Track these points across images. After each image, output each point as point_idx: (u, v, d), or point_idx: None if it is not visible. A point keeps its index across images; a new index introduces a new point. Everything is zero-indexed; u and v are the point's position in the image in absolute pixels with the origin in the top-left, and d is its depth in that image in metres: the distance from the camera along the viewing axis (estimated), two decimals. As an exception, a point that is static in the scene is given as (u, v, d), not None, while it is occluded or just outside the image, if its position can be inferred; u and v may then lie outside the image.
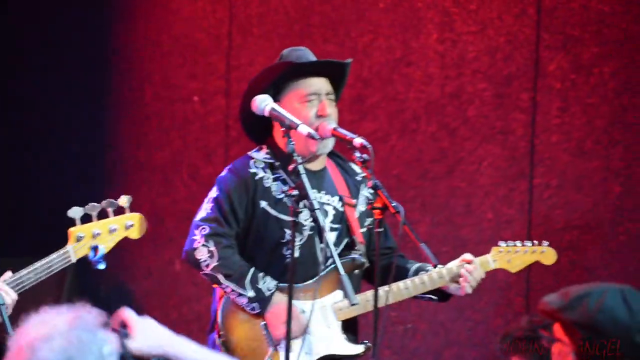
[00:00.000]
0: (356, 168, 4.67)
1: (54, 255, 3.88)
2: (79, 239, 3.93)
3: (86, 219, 3.91)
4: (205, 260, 4.47)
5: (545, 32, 5.81)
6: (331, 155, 4.62)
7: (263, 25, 6.36)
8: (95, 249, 3.95)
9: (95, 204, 3.91)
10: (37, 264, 3.90)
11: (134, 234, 4.08)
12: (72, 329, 2.69)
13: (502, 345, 4.37)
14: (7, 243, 6.03)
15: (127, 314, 2.90)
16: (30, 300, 3.58)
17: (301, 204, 4.18)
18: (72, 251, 3.90)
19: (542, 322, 3.96)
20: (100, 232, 3.96)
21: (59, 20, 6.67)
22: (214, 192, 4.52)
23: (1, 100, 6.69)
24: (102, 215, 3.97)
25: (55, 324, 2.69)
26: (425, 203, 5.97)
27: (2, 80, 6.72)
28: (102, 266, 3.97)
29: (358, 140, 4.23)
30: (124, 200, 3.97)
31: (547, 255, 4.72)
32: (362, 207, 4.63)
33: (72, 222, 3.88)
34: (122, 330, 2.85)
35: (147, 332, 2.93)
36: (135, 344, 2.87)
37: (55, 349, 2.65)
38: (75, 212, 3.85)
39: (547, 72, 5.81)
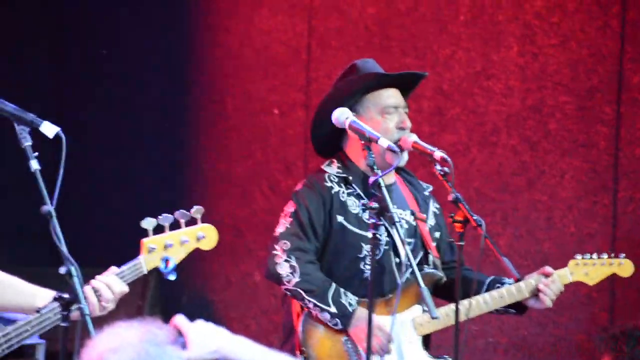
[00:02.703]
0: (423, 183, 4.70)
1: (125, 267, 3.88)
2: (150, 251, 3.90)
3: (159, 229, 3.92)
4: (287, 276, 4.46)
5: (630, 44, 5.77)
6: (397, 169, 4.59)
7: (342, 38, 6.42)
8: (166, 260, 3.92)
9: (168, 215, 3.88)
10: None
11: (206, 245, 4.00)
12: (142, 342, 2.73)
13: (604, 338, 4.18)
14: (85, 252, 5.97)
15: (179, 321, 2.88)
16: (110, 312, 3.75)
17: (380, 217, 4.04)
18: (144, 262, 3.90)
19: None
20: (172, 243, 3.91)
21: (143, 32, 6.78)
22: (291, 207, 4.52)
23: (84, 107, 6.81)
24: (175, 226, 3.98)
25: (126, 337, 2.73)
26: (506, 216, 5.96)
27: (87, 87, 6.84)
28: (172, 277, 3.91)
29: (438, 154, 4.23)
30: (196, 212, 3.91)
31: (624, 267, 4.71)
32: (431, 221, 4.65)
33: (146, 233, 3.88)
34: (179, 339, 2.84)
35: (202, 337, 2.91)
36: (192, 353, 2.85)
37: None
38: (148, 223, 3.84)
39: (632, 85, 5.77)
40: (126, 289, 3.82)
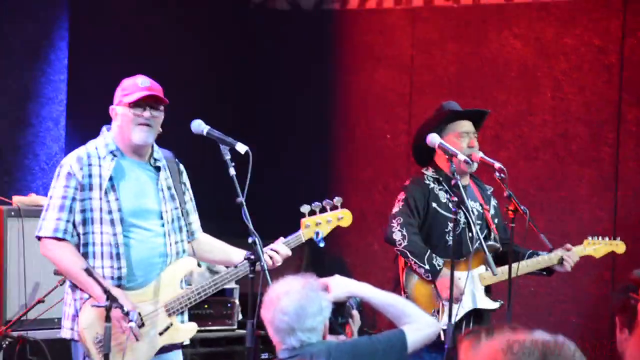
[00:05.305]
0: (486, 185, 5.15)
1: (290, 237, 4.22)
2: (307, 227, 4.20)
3: (312, 212, 4.20)
4: (399, 241, 4.86)
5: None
6: (470, 175, 5.12)
7: (431, 87, 6.97)
8: (317, 233, 4.20)
9: (318, 202, 4.21)
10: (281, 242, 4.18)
11: (344, 223, 4.29)
12: (304, 288, 3.08)
13: (622, 295, 3.68)
14: (263, 228, 5.00)
15: (322, 280, 3.19)
16: (279, 268, 4.05)
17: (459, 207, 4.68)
18: (303, 235, 4.23)
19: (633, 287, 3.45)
20: (321, 222, 4.21)
21: (300, 79, 7.44)
22: (402, 195, 4.94)
23: (264, 128, 7.29)
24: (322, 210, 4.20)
25: (293, 285, 3.09)
26: (542, 207, 6.33)
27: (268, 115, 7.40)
28: (322, 244, 4.17)
29: (497, 165, 4.81)
30: (337, 200, 4.24)
31: (620, 246, 5.11)
32: (492, 211, 5.10)
33: (303, 215, 4.24)
34: (324, 290, 3.13)
35: (338, 285, 3.26)
36: (333, 294, 3.19)
37: (292, 300, 3.04)
38: (305, 208, 4.18)
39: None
40: (290, 252, 4.10)
